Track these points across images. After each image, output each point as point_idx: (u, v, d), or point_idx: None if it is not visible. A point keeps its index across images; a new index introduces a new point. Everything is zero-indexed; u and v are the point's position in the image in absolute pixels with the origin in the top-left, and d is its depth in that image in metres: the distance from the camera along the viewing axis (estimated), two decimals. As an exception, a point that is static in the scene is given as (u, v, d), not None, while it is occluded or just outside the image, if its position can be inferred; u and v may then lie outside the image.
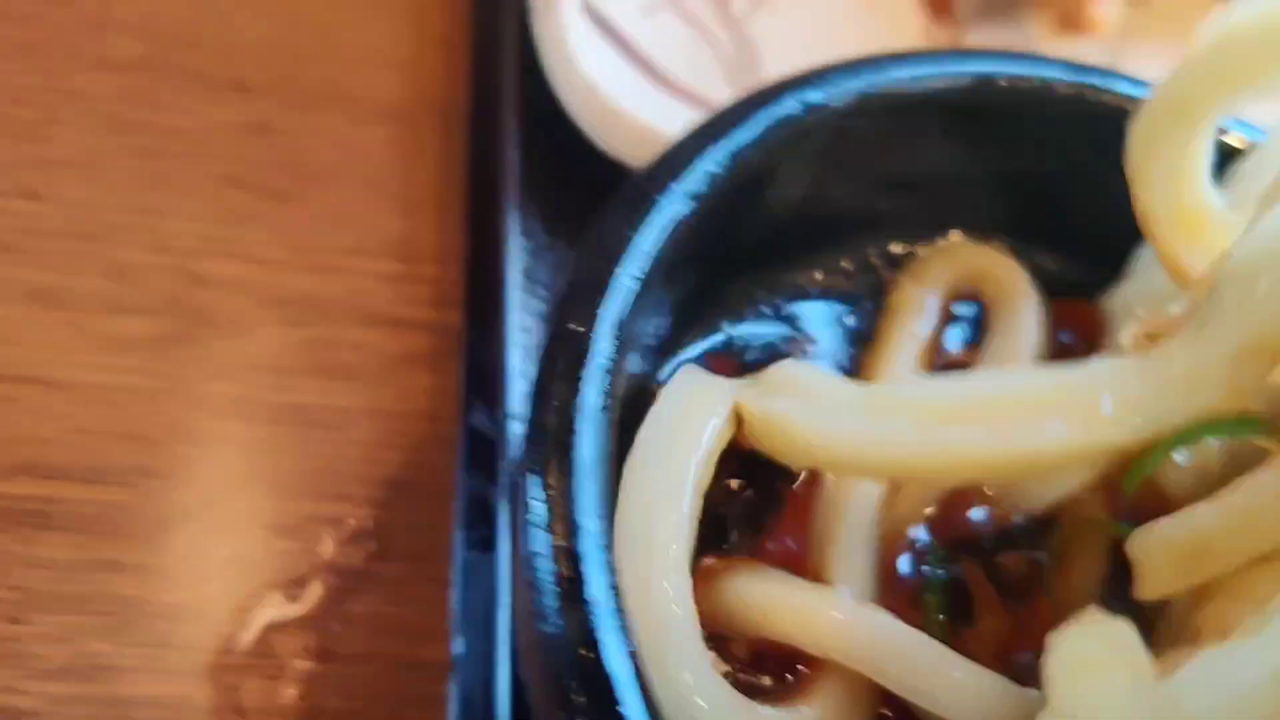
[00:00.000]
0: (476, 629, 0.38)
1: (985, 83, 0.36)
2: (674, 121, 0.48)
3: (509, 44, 0.50)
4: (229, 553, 0.42)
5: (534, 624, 0.26)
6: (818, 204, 0.38)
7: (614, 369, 0.30)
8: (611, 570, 0.27)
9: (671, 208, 0.32)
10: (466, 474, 0.41)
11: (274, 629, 0.41)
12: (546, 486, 0.27)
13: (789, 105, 0.34)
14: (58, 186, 0.48)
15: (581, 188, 0.48)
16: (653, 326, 0.34)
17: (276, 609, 0.41)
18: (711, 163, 0.33)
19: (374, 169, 0.52)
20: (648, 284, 0.31)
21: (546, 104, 0.48)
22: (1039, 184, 0.39)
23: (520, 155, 0.48)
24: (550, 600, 0.26)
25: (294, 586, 0.42)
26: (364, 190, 0.51)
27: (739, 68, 0.55)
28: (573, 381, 0.29)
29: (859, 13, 0.57)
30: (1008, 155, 0.38)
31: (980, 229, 0.39)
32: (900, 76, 0.36)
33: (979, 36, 0.58)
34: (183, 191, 0.49)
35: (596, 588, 0.26)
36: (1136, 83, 0.37)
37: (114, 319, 0.46)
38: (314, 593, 0.42)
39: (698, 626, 0.28)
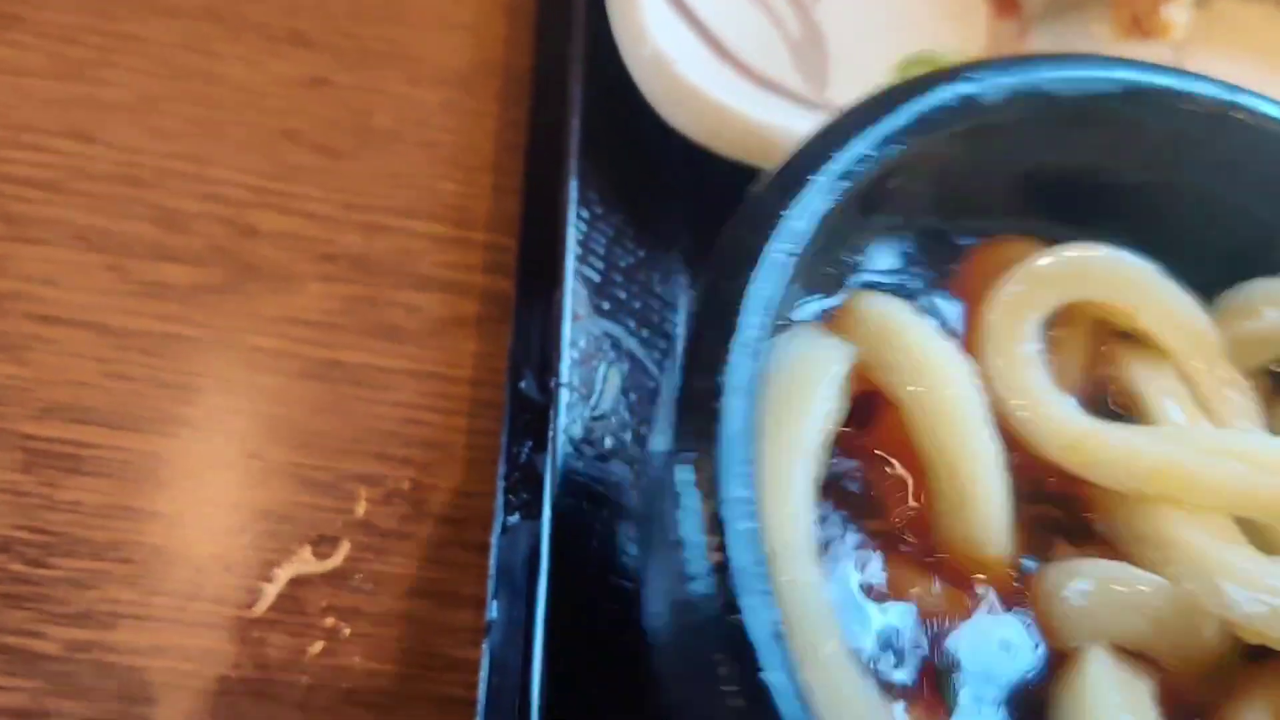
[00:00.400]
0: (514, 596, 0.37)
1: (1137, 91, 0.35)
2: (740, 99, 0.47)
3: (578, 11, 0.49)
4: (260, 507, 0.41)
5: (680, 586, 0.25)
6: (958, 197, 0.36)
7: (762, 343, 0.28)
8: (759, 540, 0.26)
9: (825, 186, 0.31)
10: (510, 440, 0.39)
11: (303, 585, 0.39)
12: (697, 456, 0.26)
13: (943, 95, 0.33)
14: (109, 129, 0.47)
15: (643, 161, 0.47)
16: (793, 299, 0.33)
17: (306, 565, 0.40)
18: (865, 145, 0.31)
19: (432, 131, 0.50)
20: (798, 261, 0.30)
21: (613, 75, 0.47)
22: (1173, 196, 0.37)
23: (583, 125, 0.46)
24: (698, 565, 0.25)
25: (325, 544, 0.40)
26: (420, 152, 0.50)
27: (805, 52, 0.53)
28: (722, 353, 0.27)
29: (925, 4, 0.56)
30: (1146, 166, 0.37)
31: (1109, 236, 0.37)
32: (1052, 78, 0.34)
33: (1044, 34, 0.56)
34: (236, 142, 0.48)
35: (743, 556, 0.25)
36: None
37: (159, 265, 0.45)
38: (345, 551, 0.40)
39: (828, 598, 0.27)
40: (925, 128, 0.33)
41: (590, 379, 0.41)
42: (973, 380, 0.31)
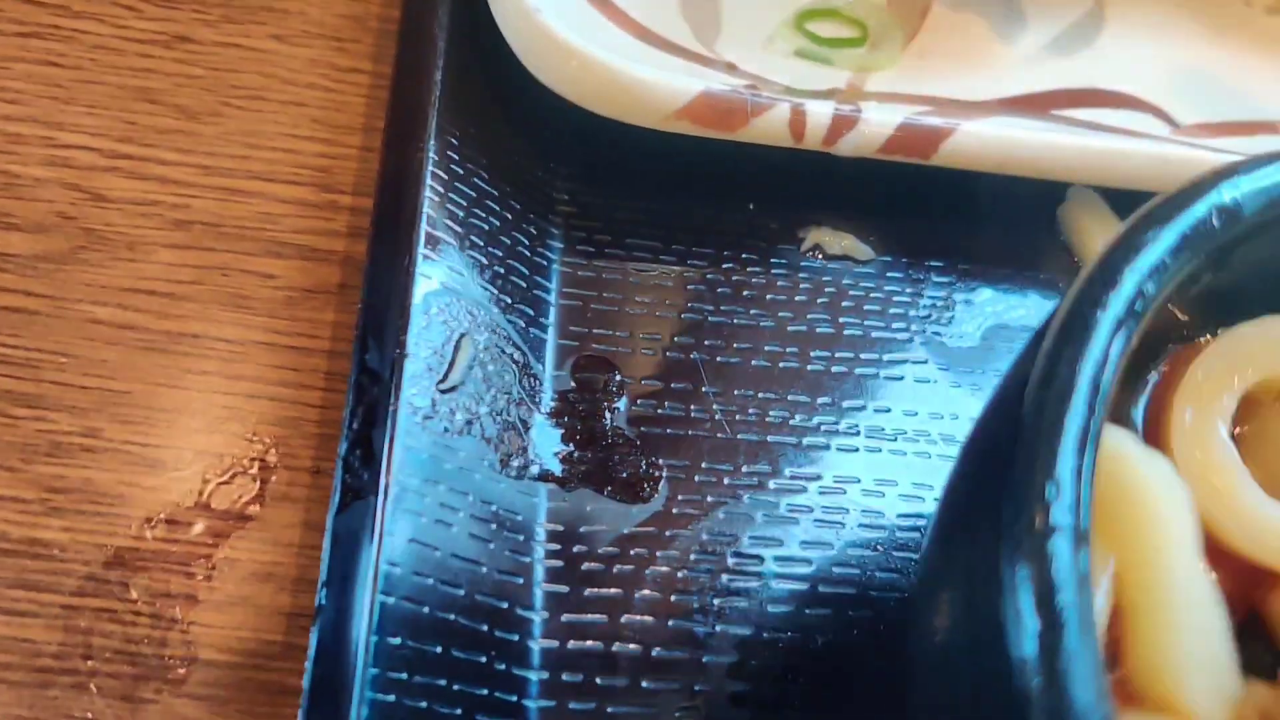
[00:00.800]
0: (347, 581, 0.35)
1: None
2: (614, 53, 0.44)
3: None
4: (96, 489, 0.39)
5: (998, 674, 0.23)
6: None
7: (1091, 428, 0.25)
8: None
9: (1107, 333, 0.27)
10: (352, 416, 0.37)
11: (136, 570, 0.37)
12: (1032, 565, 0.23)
13: (1201, 211, 0.29)
14: (-50, 90, 0.45)
15: (512, 118, 0.45)
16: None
17: (141, 549, 0.38)
18: (1161, 248, 0.27)
19: (298, 90, 0.48)
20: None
21: (483, 25, 0.44)
22: None
23: (446, 79, 0.44)
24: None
25: (163, 526, 0.38)
26: (285, 112, 0.47)
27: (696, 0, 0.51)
28: (1054, 435, 0.24)
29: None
30: None
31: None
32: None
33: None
34: (89, 104, 0.46)
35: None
36: None
37: (-2, 233, 0.42)
38: (184, 534, 0.38)
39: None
40: (1188, 249, 0.29)
41: (442, 349, 0.39)
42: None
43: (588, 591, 0.39)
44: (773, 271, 0.47)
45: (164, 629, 0.37)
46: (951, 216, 0.48)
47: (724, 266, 0.46)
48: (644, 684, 0.38)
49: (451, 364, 0.39)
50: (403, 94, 0.44)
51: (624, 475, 0.41)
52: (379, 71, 0.49)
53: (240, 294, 0.43)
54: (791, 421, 0.43)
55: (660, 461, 0.42)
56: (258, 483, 0.40)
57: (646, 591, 0.39)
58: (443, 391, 0.39)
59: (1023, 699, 0.22)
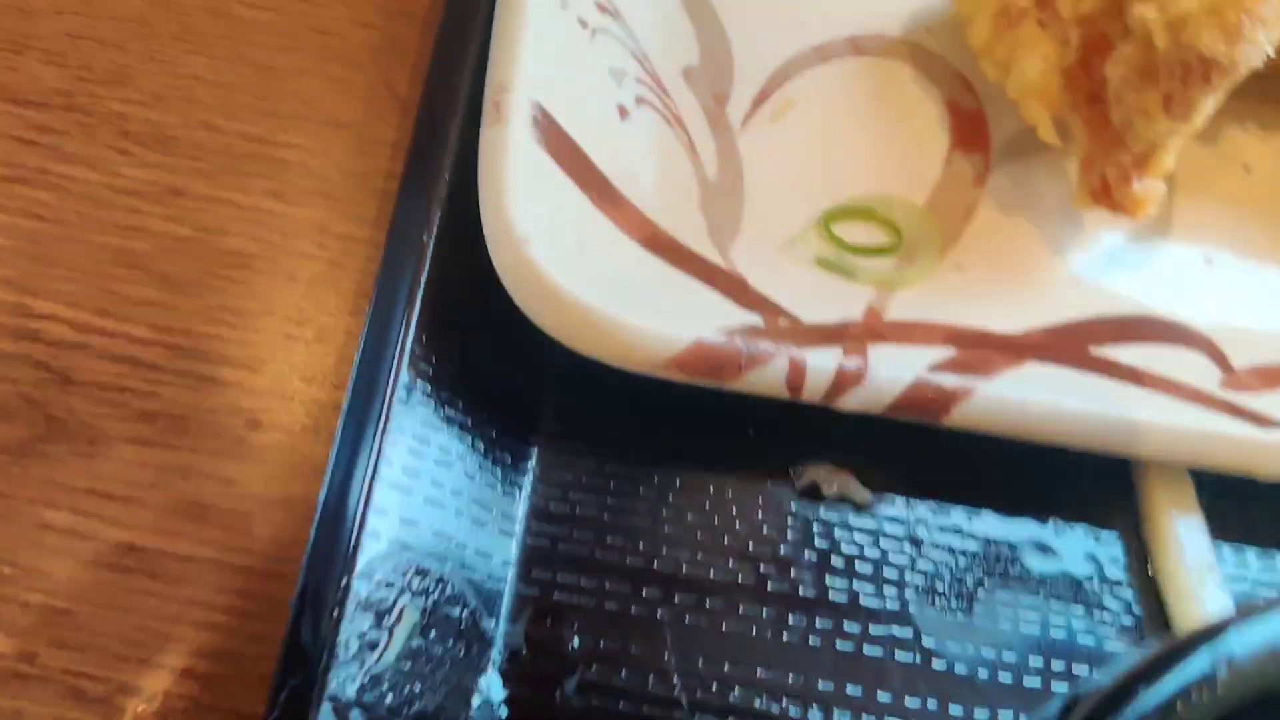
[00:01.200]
0: None
1: None
2: (618, 270, 0.41)
3: (453, 129, 0.43)
4: None
5: None
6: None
7: None
8: None
9: None
10: (281, 674, 0.36)
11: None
12: None
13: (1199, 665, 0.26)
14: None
15: (499, 339, 0.42)
16: None
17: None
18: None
19: (291, 261, 0.46)
20: None
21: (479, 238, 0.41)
22: None
23: (428, 283, 0.41)
24: None
25: (88, 769, 0.38)
26: (274, 284, 0.45)
27: (718, 193, 0.47)
28: None
29: (875, 137, 0.49)
30: None
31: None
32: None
33: (1005, 175, 0.49)
34: (68, 266, 0.44)
35: None
36: None
37: (-42, 417, 0.41)
38: (106, 782, 0.38)
39: None
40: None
41: (381, 621, 0.37)
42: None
43: None
44: (761, 515, 0.44)
45: None
46: (971, 462, 0.44)
47: (708, 506, 0.44)
48: None
49: (390, 637, 0.38)
50: (382, 305, 0.41)
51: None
52: (377, 239, 0.46)
53: (198, 502, 0.42)
54: (755, 704, 0.41)
55: (609, 732, 0.40)
56: (202, 710, 0.39)
57: None
58: (373, 676, 0.37)
59: None
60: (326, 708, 0.35)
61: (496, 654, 0.40)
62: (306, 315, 0.45)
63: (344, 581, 0.37)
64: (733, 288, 0.45)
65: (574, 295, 0.40)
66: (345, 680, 0.36)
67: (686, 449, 0.44)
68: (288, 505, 0.42)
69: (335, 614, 0.36)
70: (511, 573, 0.42)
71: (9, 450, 0.41)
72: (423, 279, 0.41)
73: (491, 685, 0.40)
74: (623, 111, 0.47)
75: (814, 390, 0.42)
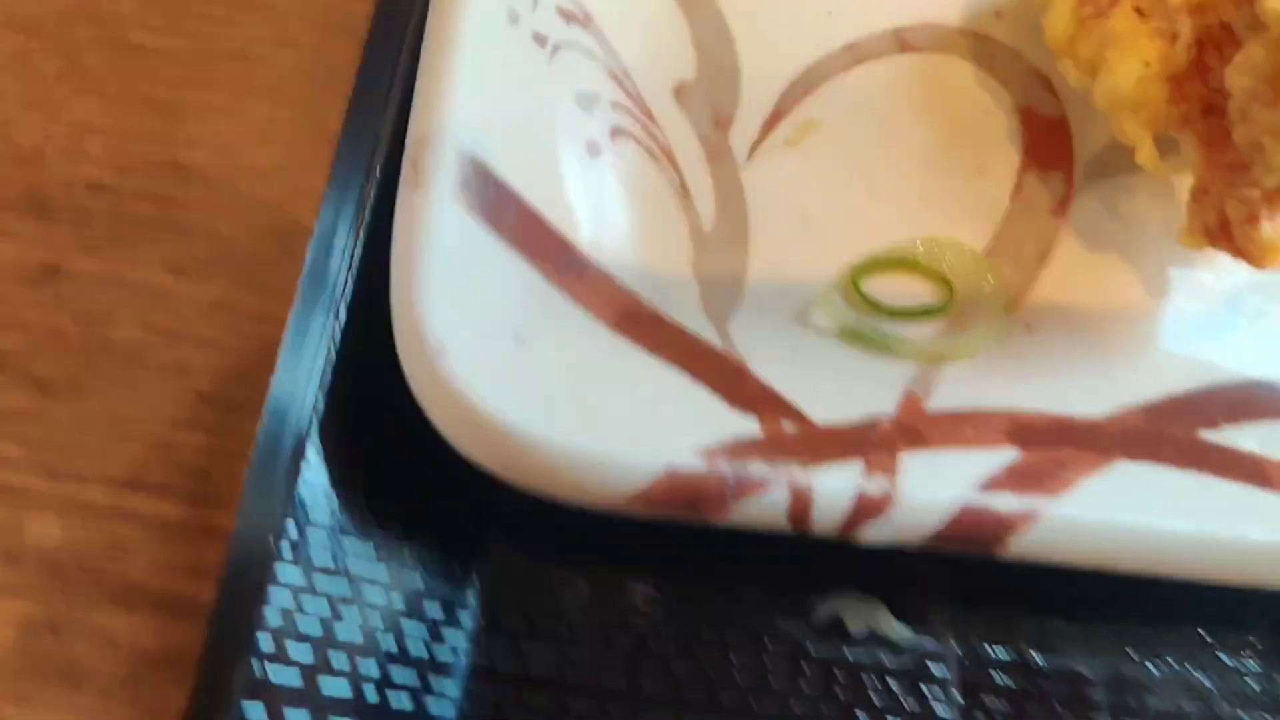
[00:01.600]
0: None
1: None
2: (575, 366, 0.32)
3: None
4: None
5: None
6: None
7: None
8: None
9: None
10: None
11: None
12: None
13: None
14: None
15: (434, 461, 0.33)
16: None
17: None
18: None
19: (188, 350, 0.38)
20: None
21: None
22: None
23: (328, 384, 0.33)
24: None
25: None
26: (166, 385, 0.37)
27: (714, 246, 0.38)
28: None
29: (923, 160, 0.39)
30: None
31: None
32: None
33: (1088, 200, 0.39)
34: (-80, 371, 0.37)
35: None
36: None
37: None
38: None
39: None
40: None
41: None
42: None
43: None
44: (768, 664, 0.35)
45: None
46: (1037, 584, 0.35)
47: (699, 655, 0.35)
48: None
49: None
50: (277, 417, 0.33)
51: None
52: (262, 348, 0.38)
53: (72, 663, 0.34)
54: None
55: None
56: None
57: None
58: None
59: None
60: None
61: None
62: (204, 415, 0.37)
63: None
64: (727, 379, 0.35)
65: (507, 422, 0.31)
66: None
67: (669, 583, 0.35)
68: (180, 666, 0.34)
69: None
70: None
71: None
72: (322, 379, 0.33)
73: None
74: (593, 147, 0.38)
75: (824, 522, 0.32)
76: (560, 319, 0.35)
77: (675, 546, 0.36)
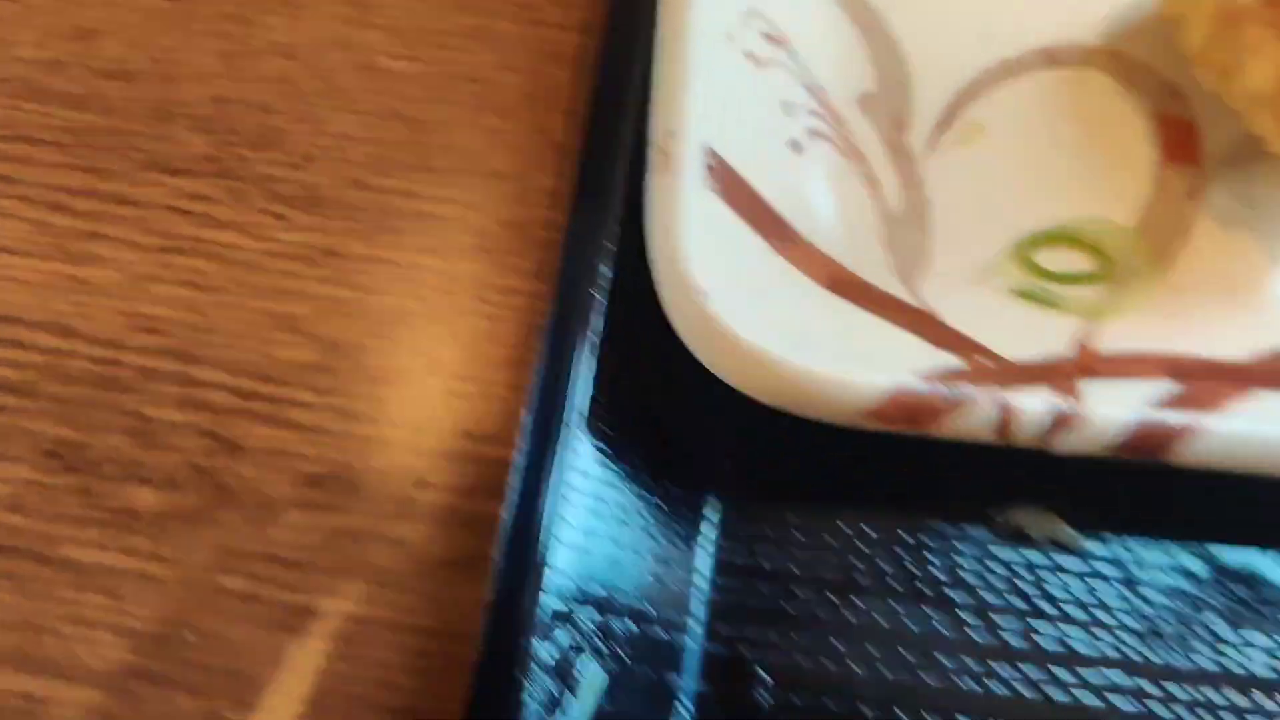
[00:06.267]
0: None
1: None
2: (802, 313, 0.45)
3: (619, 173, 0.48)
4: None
5: None
6: None
7: None
8: None
9: None
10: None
11: None
12: None
13: None
14: (91, 319, 0.50)
15: (677, 392, 0.46)
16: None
17: None
18: None
19: (452, 318, 0.51)
20: None
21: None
22: None
23: (603, 337, 0.46)
24: None
25: None
26: (436, 344, 0.50)
27: (902, 227, 0.51)
28: None
29: (1075, 155, 0.52)
30: None
31: None
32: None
33: (1223, 190, 0.52)
34: (227, 333, 0.50)
35: None
36: None
37: (129, 489, 0.47)
38: None
39: None
40: None
41: (567, 672, 0.42)
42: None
43: None
44: (959, 562, 0.47)
45: None
46: (1197, 497, 0.47)
47: (901, 554, 0.47)
48: None
49: (576, 698, 0.42)
50: (548, 368, 0.46)
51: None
52: (540, 291, 0.51)
53: (369, 563, 0.47)
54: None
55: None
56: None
57: None
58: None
59: None
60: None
61: (686, 715, 0.44)
62: (470, 372, 0.50)
63: (525, 642, 0.41)
64: (925, 326, 0.48)
65: (763, 349, 0.44)
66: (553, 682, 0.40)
67: (874, 496, 0.48)
68: (461, 565, 0.46)
69: (518, 675, 0.41)
70: (699, 629, 0.46)
71: (182, 518, 0.47)
72: (588, 333, 0.46)
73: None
74: (796, 146, 0.52)
75: (1025, 434, 0.45)
76: (786, 280, 0.48)
77: (876, 482, 0.48)
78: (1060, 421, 0.45)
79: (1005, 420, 0.44)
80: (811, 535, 0.47)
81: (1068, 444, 0.45)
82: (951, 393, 0.44)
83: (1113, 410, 0.45)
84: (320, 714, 0.45)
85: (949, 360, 0.46)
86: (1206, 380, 0.47)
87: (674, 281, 0.45)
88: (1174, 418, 0.45)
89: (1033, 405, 0.44)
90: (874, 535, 0.48)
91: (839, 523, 0.48)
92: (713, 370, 0.44)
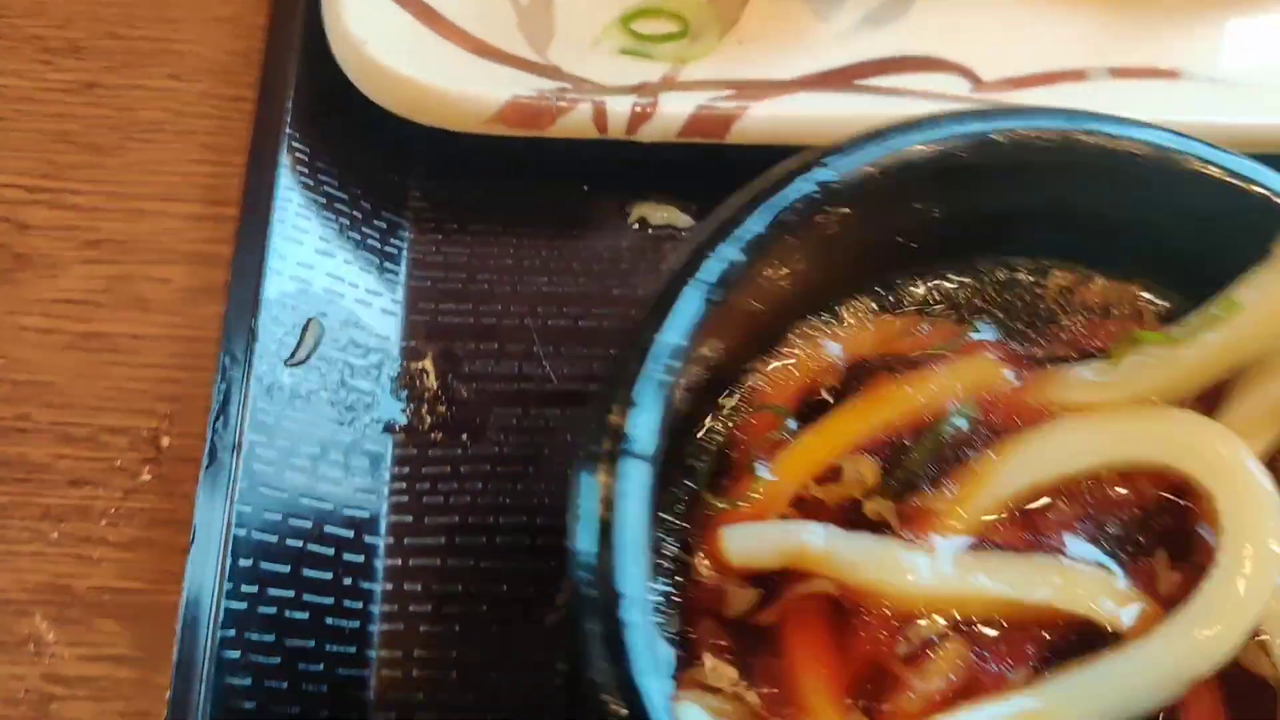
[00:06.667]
0: (212, 519, 0.52)
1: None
2: (449, 68, 0.61)
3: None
4: (29, 460, 0.57)
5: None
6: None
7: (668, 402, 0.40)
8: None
9: (697, 301, 0.42)
10: (219, 391, 0.54)
11: (62, 521, 0.55)
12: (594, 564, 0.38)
13: (801, 187, 0.44)
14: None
15: (362, 134, 0.62)
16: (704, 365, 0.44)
17: (67, 504, 0.55)
18: (733, 252, 0.43)
19: (192, 120, 0.66)
20: (693, 342, 0.42)
21: (328, 57, 0.61)
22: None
23: (300, 105, 0.61)
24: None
25: (84, 486, 0.56)
26: (180, 140, 0.65)
27: (533, 15, 0.67)
28: (612, 469, 0.39)
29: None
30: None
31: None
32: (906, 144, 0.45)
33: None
34: (13, 148, 0.64)
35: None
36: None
37: (-57, 262, 0.61)
38: (99, 491, 0.56)
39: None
40: (786, 222, 0.44)
41: (292, 331, 0.56)
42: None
43: (427, 519, 0.56)
44: (601, 244, 0.63)
45: (87, 565, 0.55)
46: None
47: (557, 243, 0.63)
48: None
49: (300, 343, 0.57)
50: (261, 121, 0.61)
51: (461, 424, 0.58)
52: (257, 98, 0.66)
53: (143, 297, 0.61)
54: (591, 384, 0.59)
55: (494, 410, 0.58)
56: (159, 447, 0.57)
57: (477, 518, 0.56)
58: (291, 365, 0.56)
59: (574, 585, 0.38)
60: (256, 388, 0.54)
61: (393, 362, 0.59)
62: (208, 158, 0.65)
63: (254, 324, 0.56)
64: (549, 72, 0.65)
65: (409, 75, 0.60)
66: (269, 372, 0.55)
67: (534, 210, 0.64)
68: (206, 292, 0.61)
69: (252, 328, 0.55)
70: (401, 307, 0.61)
71: (-11, 279, 0.61)
72: (286, 118, 0.61)
73: (389, 384, 0.59)
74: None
75: (616, 127, 0.61)
76: (433, 44, 0.64)
77: (534, 198, 0.64)
78: (640, 115, 0.61)
79: (600, 116, 0.61)
80: (491, 236, 0.63)
81: (649, 133, 0.61)
82: (557, 99, 0.61)
83: (679, 106, 0.62)
84: (111, 407, 0.58)
85: (558, 83, 0.63)
86: (757, 88, 0.64)
87: (340, 35, 0.60)
88: (725, 105, 0.62)
89: (619, 105, 0.61)
90: (537, 241, 0.63)
91: (513, 227, 0.63)
92: (371, 96, 0.59)
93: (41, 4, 0.68)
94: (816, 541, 0.42)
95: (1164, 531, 0.44)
